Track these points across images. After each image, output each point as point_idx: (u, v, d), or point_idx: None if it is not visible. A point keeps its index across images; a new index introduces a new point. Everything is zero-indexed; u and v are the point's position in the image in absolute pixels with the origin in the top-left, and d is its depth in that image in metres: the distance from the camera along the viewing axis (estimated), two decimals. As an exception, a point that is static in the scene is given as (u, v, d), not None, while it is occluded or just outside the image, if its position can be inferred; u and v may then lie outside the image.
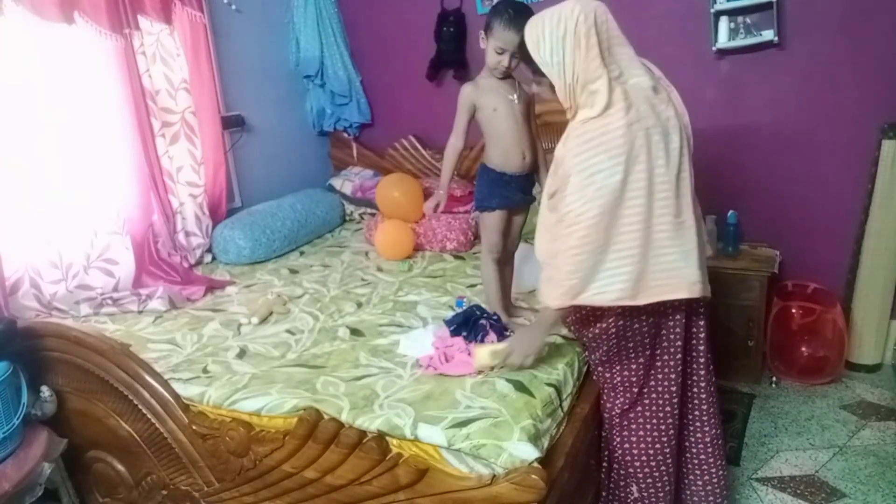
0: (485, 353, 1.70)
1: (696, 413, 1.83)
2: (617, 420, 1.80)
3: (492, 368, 1.72)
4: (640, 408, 1.78)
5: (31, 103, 2.28)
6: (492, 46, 1.89)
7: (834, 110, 2.70)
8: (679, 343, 1.73)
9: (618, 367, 1.76)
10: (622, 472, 1.84)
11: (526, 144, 2.02)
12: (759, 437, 2.43)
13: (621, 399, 1.78)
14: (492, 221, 2.04)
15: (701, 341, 1.78)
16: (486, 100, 1.97)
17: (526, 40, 1.55)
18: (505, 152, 2.00)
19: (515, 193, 2.05)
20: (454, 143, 2.04)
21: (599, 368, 1.79)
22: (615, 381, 1.77)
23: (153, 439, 1.81)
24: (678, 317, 1.70)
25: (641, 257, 1.53)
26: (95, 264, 2.50)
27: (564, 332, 1.98)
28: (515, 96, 1.99)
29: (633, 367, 1.75)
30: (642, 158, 1.49)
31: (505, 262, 2.11)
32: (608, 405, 1.81)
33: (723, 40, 2.73)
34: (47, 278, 2.35)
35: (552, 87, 1.58)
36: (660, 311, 1.67)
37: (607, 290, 1.54)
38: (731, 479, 2.21)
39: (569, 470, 1.61)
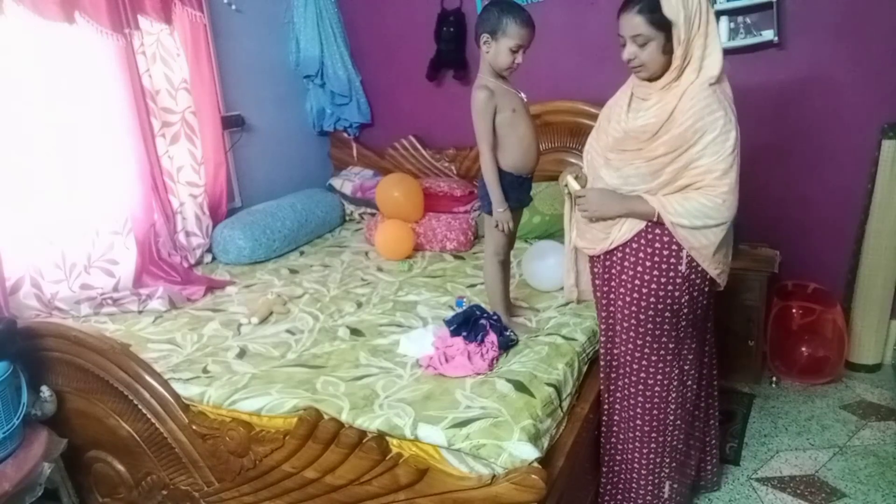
0: (572, 180, 1.78)
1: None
2: (671, 419, 1.81)
3: (568, 193, 1.83)
4: (692, 401, 1.83)
5: (31, 103, 2.28)
6: (505, 46, 1.84)
7: (834, 110, 2.70)
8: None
9: (685, 354, 1.77)
10: (654, 475, 1.86)
11: (538, 142, 2.01)
12: (759, 437, 2.43)
13: (675, 394, 1.79)
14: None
15: None
16: (504, 102, 1.90)
17: None
18: (525, 153, 1.95)
19: (526, 194, 2.04)
20: (489, 153, 1.92)
21: (668, 357, 1.76)
22: (674, 375, 1.78)
23: (153, 439, 1.81)
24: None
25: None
26: (97, 264, 2.50)
27: (564, 331, 1.98)
28: (523, 94, 1.97)
29: (691, 357, 1.79)
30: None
31: (506, 263, 2.11)
32: (656, 410, 1.80)
33: (723, 40, 2.72)
34: (49, 278, 2.35)
35: (664, 45, 1.56)
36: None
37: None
38: (732, 479, 2.22)
39: (568, 470, 1.61)
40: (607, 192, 1.71)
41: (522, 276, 2.42)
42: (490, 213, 1.99)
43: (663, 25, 1.54)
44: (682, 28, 1.53)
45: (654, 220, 1.64)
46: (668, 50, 1.56)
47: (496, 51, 1.86)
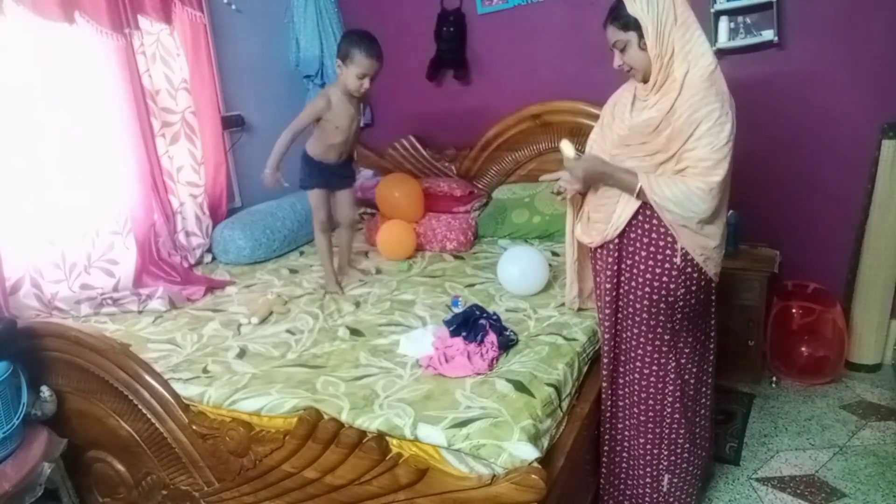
0: (569, 145, 1.81)
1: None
2: (668, 411, 1.82)
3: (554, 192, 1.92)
4: (690, 395, 1.83)
5: (31, 103, 2.28)
6: (353, 73, 2.23)
7: (834, 110, 2.70)
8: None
9: (681, 347, 1.79)
10: (652, 466, 1.88)
11: (347, 148, 2.48)
12: (759, 437, 2.43)
13: (672, 387, 1.80)
14: (315, 200, 2.51)
15: None
16: (334, 117, 2.36)
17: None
18: (325, 152, 2.45)
19: (332, 178, 2.51)
20: (290, 137, 2.39)
21: (664, 349, 1.77)
22: (669, 367, 1.79)
23: (153, 439, 1.81)
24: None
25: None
26: (97, 264, 2.50)
27: (565, 331, 1.98)
28: (361, 118, 2.36)
29: (688, 351, 1.80)
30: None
31: (339, 232, 2.65)
32: (652, 399, 1.82)
33: (723, 40, 2.73)
34: (49, 278, 2.35)
35: (639, 42, 1.61)
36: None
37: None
38: (732, 479, 2.22)
39: (568, 470, 1.61)
40: (595, 157, 1.77)
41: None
42: (301, 186, 2.53)
43: (632, 25, 1.60)
44: (648, 22, 1.57)
45: (635, 194, 1.67)
46: (645, 46, 1.61)
47: (345, 75, 2.26)
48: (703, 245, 1.69)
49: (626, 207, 1.72)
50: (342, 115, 2.37)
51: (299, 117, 2.39)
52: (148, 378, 1.77)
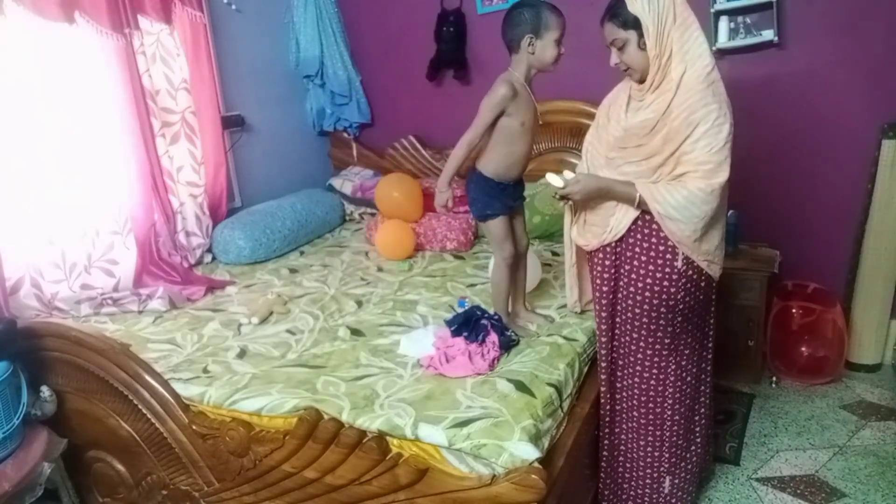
0: (554, 176, 1.74)
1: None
2: (668, 414, 1.82)
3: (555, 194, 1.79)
4: (690, 396, 1.83)
5: (31, 103, 2.28)
6: (551, 40, 1.84)
7: (834, 110, 2.70)
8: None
9: (681, 349, 1.79)
10: (653, 468, 1.87)
11: (529, 157, 2.02)
12: (759, 437, 2.43)
13: (672, 389, 1.80)
14: (500, 230, 2.00)
15: None
16: (519, 109, 1.89)
17: None
18: (508, 167, 1.97)
19: (511, 198, 2.03)
20: (467, 148, 1.95)
21: (664, 352, 1.77)
22: (669, 370, 1.79)
23: (153, 439, 1.81)
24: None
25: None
26: (97, 264, 2.50)
27: (566, 331, 1.98)
28: (539, 112, 1.96)
29: (688, 352, 1.80)
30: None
31: (517, 265, 2.09)
32: (652, 403, 1.82)
33: (723, 40, 2.73)
34: (49, 278, 2.35)
35: (639, 42, 1.60)
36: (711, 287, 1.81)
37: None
38: (732, 479, 2.22)
39: (568, 470, 1.61)
40: (589, 176, 1.75)
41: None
42: (480, 217, 2.02)
43: (632, 23, 1.59)
44: (648, 21, 1.56)
45: (636, 205, 1.66)
46: (644, 46, 1.60)
47: (542, 47, 1.86)
48: (705, 250, 1.68)
49: (626, 214, 1.71)
50: (528, 106, 1.91)
51: (478, 121, 1.91)
52: (148, 378, 1.76)
